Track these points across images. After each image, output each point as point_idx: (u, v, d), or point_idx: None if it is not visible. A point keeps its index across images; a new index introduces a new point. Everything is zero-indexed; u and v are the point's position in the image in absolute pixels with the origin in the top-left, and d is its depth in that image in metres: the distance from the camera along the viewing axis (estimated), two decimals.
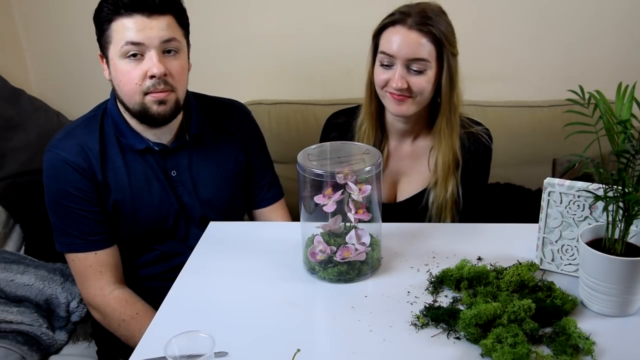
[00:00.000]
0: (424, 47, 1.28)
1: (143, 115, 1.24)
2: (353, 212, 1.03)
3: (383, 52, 1.31)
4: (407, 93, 1.30)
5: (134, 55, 1.19)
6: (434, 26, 1.27)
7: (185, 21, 1.27)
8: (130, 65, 1.20)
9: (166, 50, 1.21)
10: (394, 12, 1.32)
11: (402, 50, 1.28)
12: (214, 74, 1.93)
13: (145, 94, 1.21)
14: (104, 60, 1.25)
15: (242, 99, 1.55)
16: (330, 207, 1.02)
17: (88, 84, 2.03)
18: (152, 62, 1.18)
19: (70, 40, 2.01)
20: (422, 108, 1.35)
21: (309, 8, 1.93)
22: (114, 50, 1.20)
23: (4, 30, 1.98)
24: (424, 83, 1.30)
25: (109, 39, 1.20)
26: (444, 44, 1.29)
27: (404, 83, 1.29)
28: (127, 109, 1.26)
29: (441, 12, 1.32)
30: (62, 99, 2.04)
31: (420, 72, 1.29)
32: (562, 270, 1.09)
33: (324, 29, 1.94)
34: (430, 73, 1.30)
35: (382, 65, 1.32)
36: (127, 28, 1.17)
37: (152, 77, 1.19)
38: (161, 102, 1.22)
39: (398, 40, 1.28)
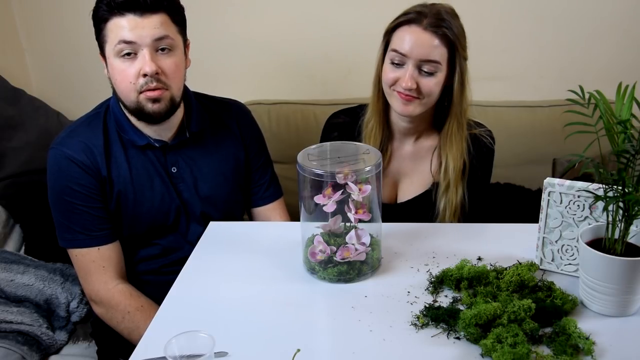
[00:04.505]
0: (437, 49, 1.27)
1: (139, 112, 1.25)
2: (353, 212, 1.03)
3: (395, 51, 1.29)
4: (415, 94, 1.29)
5: (128, 54, 1.20)
6: (448, 29, 1.27)
7: (180, 18, 1.28)
8: (125, 64, 1.21)
9: (159, 48, 1.22)
10: (409, 11, 1.30)
11: (415, 51, 1.27)
12: (214, 74, 1.93)
13: (140, 92, 1.22)
14: (103, 58, 1.27)
15: (242, 99, 1.56)
16: (330, 207, 1.02)
17: (88, 84, 2.03)
18: (144, 61, 1.20)
19: (70, 40, 2.01)
20: (428, 109, 1.35)
21: (309, 8, 1.93)
22: (109, 49, 1.22)
23: (4, 30, 1.98)
24: (433, 85, 1.29)
25: (105, 38, 1.22)
26: (457, 47, 1.28)
27: (413, 83, 1.28)
28: (124, 106, 1.28)
29: (455, 15, 1.31)
30: (62, 99, 2.04)
31: (430, 74, 1.28)
32: (562, 270, 1.09)
33: (324, 29, 1.94)
34: (441, 75, 1.29)
35: (392, 63, 1.30)
36: (121, 27, 1.19)
37: (144, 75, 1.20)
38: (155, 100, 1.23)
39: (412, 40, 1.27)
